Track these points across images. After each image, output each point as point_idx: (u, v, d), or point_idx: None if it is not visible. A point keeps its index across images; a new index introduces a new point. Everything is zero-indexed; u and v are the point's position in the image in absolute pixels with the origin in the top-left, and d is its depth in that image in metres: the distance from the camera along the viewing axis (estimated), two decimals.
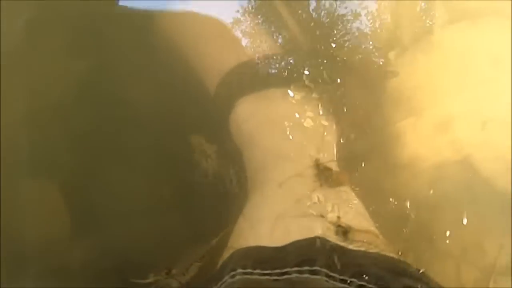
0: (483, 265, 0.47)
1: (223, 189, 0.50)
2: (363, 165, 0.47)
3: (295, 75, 0.48)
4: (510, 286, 0.47)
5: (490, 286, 0.47)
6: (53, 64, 0.53)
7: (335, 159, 0.45)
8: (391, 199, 0.45)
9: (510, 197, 0.45)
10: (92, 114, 0.53)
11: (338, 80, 0.47)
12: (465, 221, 0.45)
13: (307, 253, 0.32)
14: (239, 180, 0.49)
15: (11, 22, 0.51)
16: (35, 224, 0.49)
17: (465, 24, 0.49)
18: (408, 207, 0.46)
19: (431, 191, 0.46)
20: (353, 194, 0.41)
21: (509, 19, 0.46)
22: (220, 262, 0.38)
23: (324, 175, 0.41)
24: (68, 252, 0.50)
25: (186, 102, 0.53)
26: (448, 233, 0.46)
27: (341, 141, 0.47)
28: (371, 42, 0.50)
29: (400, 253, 0.36)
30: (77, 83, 0.53)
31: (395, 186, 0.46)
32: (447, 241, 0.46)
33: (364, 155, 0.47)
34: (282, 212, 0.38)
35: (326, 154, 0.44)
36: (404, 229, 0.45)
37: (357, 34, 0.50)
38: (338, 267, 0.31)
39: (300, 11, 0.51)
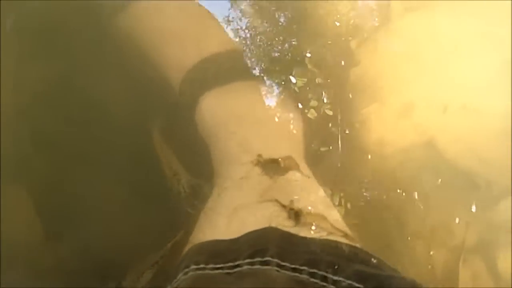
0: (452, 245, 0.48)
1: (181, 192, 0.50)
2: (330, 149, 0.47)
3: (298, 58, 0.47)
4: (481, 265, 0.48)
5: (460, 265, 0.48)
6: (19, 68, 0.52)
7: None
8: (359, 184, 0.46)
9: (473, 177, 0.47)
10: (60, 116, 0.52)
11: (342, 63, 0.47)
12: (431, 202, 0.46)
13: (259, 243, 0.32)
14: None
15: None
16: (8, 229, 0.48)
17: (422, 12, 0.50)
18: (380, 192, 0.46)
19: (398, 174, 0.47)
20: (307, 178, 0.41)
21: (465, 5, 0.47)
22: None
23: (271, 167, 0.41)
24: (42, 255, 0.49)
25: (154, 100, 0.52)
26: (416, 214, 0.47)
27: (346, 132, 0.46)
28: (376, 19, 0.50)
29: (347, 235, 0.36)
30: (44, 86, 0.52)
31: (364, 170, 0.47)
32: (415, 223, 0.47)
33: (332, 142, 0.47)
34: (239, 205, 0.38)
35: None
36: (372, 213, 0.46)
37: (362, 9, 0.49)
38: (289, 255, 0.31)
39: None
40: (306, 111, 0.47)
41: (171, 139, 0.52)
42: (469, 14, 0.47)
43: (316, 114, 0.47)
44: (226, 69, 0.47)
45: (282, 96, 0.47)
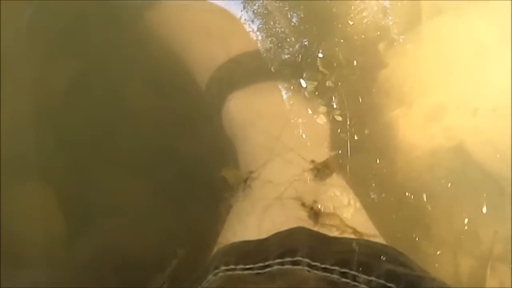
0: (479, 252, 0.47)
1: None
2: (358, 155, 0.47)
3: (309, 59, 0.47)
4: (508, 272, 0.47)
5: (487, 274, 0.47)
6: (42, 67, 0.53)
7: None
8: (387, 187, 0.45)
9: (501, 182, 0.46)
10: (83, 114, 0.52)
11: (355, 62, 0.46)
12: (458, 207, 0.46)
13: (288, 243, 0.32)
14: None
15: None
16: (31, 227, 0.49)
17: (451, 14, 0.49)
18: (407, 195, 0.46)
19: (426, 179, 0.46)
20: (340, 180, 0.41)
21: (495, 6, 0.47)
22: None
23: (319, 171, 0.41)
24: (63, 253, 0.50)
25: (178, 98, 0.53)
26: (441, 219, 0.46)
27: (355, 138, 0.46)
28: (390, 18, 0.49)
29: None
30: (67, 84, 0.52)
31: (391, 175, 0.47)
32: (441, 228, 0.46)
33: (360, 146, 0.47)
34: (269, 204, 0.38)
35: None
36: (396, 215, 0.45)
37: (376, 8, 0.48)
38: (319, 255, 0.31)
39: None
40: (315, 116, 0.46)
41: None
42: (500, 15, 0.47)
43: (325, 120, 0.46)
44: (253, 69, 0.47)
45: (308, 97, 0.47)
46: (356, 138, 0.45)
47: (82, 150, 0.52)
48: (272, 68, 0.48)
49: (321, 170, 0.41)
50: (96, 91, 0.53)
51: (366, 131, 0.45)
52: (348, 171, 0.43)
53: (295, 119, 0.46)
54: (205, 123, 0.50)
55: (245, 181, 0.41)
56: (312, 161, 0.41)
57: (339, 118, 0.46)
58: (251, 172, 0.42)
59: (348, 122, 0.45)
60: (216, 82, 0.48)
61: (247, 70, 0.47)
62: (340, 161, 0.42)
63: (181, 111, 0.53)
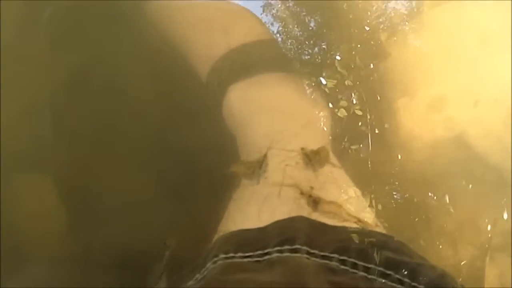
0: (479, 242, 0.48)
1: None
2: (361, 146, 0.47)
3: (328, 61, 0.47)
4: (508, 262, 0.47)
5: (487, 263, 0.47)
6: (45, 59, 0.53)
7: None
8: (385, 178, 0.46)
9: (503, 172, 0.46)
10: (86, 107, 0.52)
11: (371, 65, 0.47)
12: (459, 198, 0.46)
13: (287, 232, 0.32)
14: None
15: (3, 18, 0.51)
16: (32, 220, 0.49)
17: (452, 3, 0.49)
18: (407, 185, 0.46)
19: (426, 169, 0.46)
20: (338, 169, 0.41)
21: None
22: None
23: (312, 159, 0.41)
24: (67, 247, 0.50)
25: (179, 89, 0.53)
26: (442, 210, 0.46)
27: (376, 131, 0.46)
28: (407, 23, 0.49)
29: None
30: (69, 77, 0.52)
31: (392, 166, 0.47)
32: (441, 218, 0.46)
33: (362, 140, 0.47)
34: (269, 193, 0.38)
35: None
36: (396, 205, 0.45)
37: (392, 15, 0.49)
38: (318, 243, 0.31)
39: None
40: (336, 110, 0.47)
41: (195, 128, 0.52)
42: (502, 5, 0.46)
43: (346, 114, 0.47)
44: (254, 60, 0.47)
45: (310, 90, 0.47)
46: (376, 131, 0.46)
47: (83, 143, 0.52)
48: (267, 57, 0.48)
49: (312, 158, 0.41)
50: (97, 84, 0.53)
51: (386, 125, 0.46)
52: (369, 166, 0.43)
53: (295, 109, 0.46)
54: (206, 115, 0.50)
55: (260, 166, 0.41)
56: (302, 149, 0.41)
57: (360, 113, 0.47)
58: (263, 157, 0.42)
59: (369, 117, 0.46)
60: (217, 73, 0.48)
61: (248, 61, 0.47)
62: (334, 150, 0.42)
63: (182, 103, 0.53)
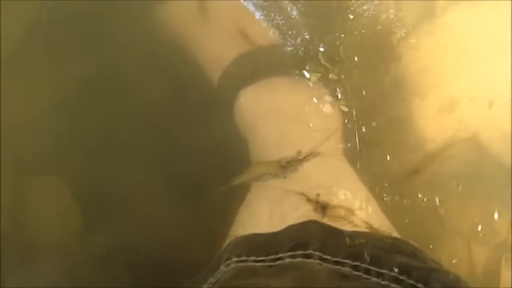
0: (495, 243, 0.47)
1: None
2: (348, 145, 0.46)
3: (311, 53, 0.47)
4: None
5: (502, 265, 0.47)
6: (56, 63, 0.54)
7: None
8: (398, 179, 0.45)
9: None
10: (97, 111, 0.53)
11: (356, 58, 0.46)
12: (473, 199, 0.45)
13: (300, 236, 0.33)
14: None
15: (13, 22, 0.52)
16: (44, 221, 0.49)
17: (465, 4, 0.49)
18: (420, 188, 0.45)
19: (439, 171, 0.46)
20: (345, 171, 0.41)
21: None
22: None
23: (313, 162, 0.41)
24: (77, 247, 0.50)
25: (191, 93, 0.53)
26: (455, 210, 0.46)
27: (363, 130, 0.45)
28: (392, 11, 0.48)
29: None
30: (80, 81, 0.53)
31: (404, 168, 0.46)
32: (455, 219, 0.46)
33: (373, 140, 0.46)
34: (281, 198, 0.38)
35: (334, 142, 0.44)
36: (408, 206, 0.45)
37: (376, 2, 0.48)
38: (331, 249, 0.31)
39: None
40: (321, 106, 0.46)
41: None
42: None
43: (331, 109, 0.46)
44: (263, 64, 0.48)
45: (319, 92, 0.47)
46: (364, 130, 0.45)
47: (96, 146, 0.53)
48: (277, 61, 0.48)
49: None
50: (109, 88, 0.54)
51: (374, 124, 0.45)
52: (358, 166, 0.43)
53: (305, 113, 0.46)
54: (217, 119, 0.51)
55: (283, 167, 0.41)
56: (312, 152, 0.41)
57: (345, 109, 0.46)
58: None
59: (354, 114, 0.45)
60: (228, 78, 0.48)
61: (258, 65, 0.47)
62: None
63: (193, 107, 0.53)
